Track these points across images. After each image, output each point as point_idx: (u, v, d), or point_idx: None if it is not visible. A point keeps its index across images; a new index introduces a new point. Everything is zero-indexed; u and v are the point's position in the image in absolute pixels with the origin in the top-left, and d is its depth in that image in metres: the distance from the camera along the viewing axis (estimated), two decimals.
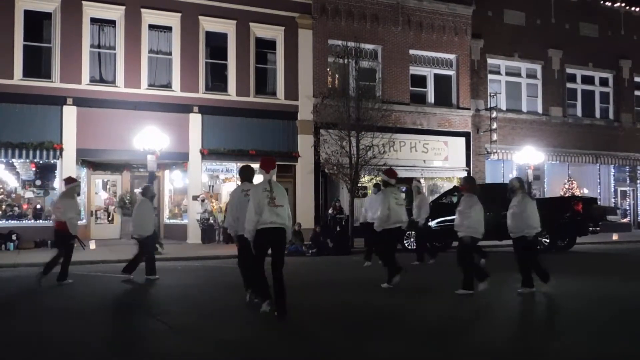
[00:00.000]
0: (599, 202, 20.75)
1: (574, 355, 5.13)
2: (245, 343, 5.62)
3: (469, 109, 22.93)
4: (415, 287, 9.24)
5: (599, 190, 25.76)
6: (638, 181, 27.01)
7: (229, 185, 19.86)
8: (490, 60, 23.96)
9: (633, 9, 26.95)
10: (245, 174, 7.87)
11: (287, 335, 5.96)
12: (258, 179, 7.33)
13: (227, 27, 19.37)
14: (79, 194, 10.45)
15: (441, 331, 6.03)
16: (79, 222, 17.93)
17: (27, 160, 17.47)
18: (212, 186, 19.70)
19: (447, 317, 6.87)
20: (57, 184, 17.50)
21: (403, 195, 10.07)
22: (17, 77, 16.99)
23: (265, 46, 20.10)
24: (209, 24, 19.18)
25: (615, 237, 20.10)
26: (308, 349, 5.40)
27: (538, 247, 8.24)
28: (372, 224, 10.62)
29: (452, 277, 9.66)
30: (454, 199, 16.80)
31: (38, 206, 18.05)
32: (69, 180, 10.44)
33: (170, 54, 18.83)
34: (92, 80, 17.91)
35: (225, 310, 7.58)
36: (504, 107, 24.00)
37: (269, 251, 6.76)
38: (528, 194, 8.24)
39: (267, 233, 6.61)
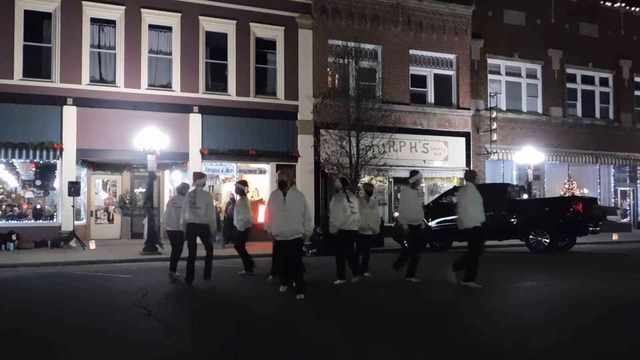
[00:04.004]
0: (599, 202, 20.74)
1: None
2: (244, 342, 5.62)
3: (469, 109, 22.93)
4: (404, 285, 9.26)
5: (599, 190, 25.76)
6: (638, 181, 27.01)
7: (229, 185, 19.88)
8: (490, 60, 23.96)
9: (633, 9, 26.96)
10: (181, 190, 10.48)
11: (286, 333, 5.96)
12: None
13: (227, 27, 19.38)
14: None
15: (437, 328, 6.04)
16: (79, 222, 18.09)
17: (27, 160, 17.46)
18: (212, 186, 19.69)
19: (442, 315, 6.88)
20: (57, 184, 17.52)
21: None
22: (17, 77, 16.99)
23: (265, 46, 20.10)
24: (209, 24, 19.18)
25: (615, 237, 20.10)
26: (306, 347, 5.40)
27: (349, 244, 9.60)
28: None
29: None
30: (454, 199, 16.81)
31: (38, 206, 18.05)
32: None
33: (170, 54, 18.84)
34: (92, 80, 17.92)
35: (225, 310, 7.58)
36: (504, 107, 24.01)
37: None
38: (346, 194, 9.48)
39: (189, 226, 9.45)
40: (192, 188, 10.02)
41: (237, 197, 11.66)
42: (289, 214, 7.84)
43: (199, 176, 10.09)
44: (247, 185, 12.07)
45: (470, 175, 9.71)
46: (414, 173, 10.20)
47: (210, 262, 9.66)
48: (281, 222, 7.91)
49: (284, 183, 7.94)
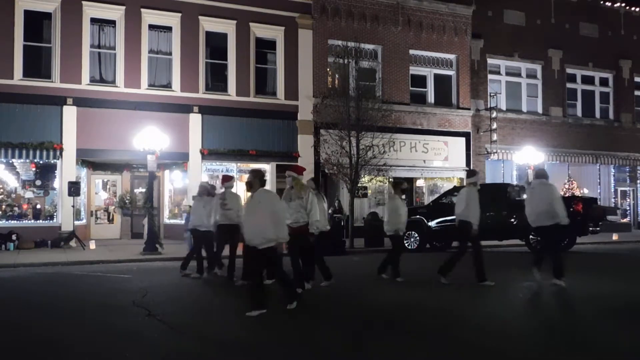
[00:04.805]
0: (599, 202, 20.73)
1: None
2: (245, 343, 5.62)
3: (469, 109, 22.93)
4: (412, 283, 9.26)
5: (599, 190, 25.75)
6: (638, 181, 27.01)
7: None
8: (490, 60, 23.96)
9: (633, 9, 26.96)
10: (201, 192, 11.03)
11: (287, 334, 5.97)
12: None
13: (227, 27, 19.38)
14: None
15: (437, 328, 6.04)
16: (79, 222, 18.08)
17: (27, 160, 17.46)
18: (212, 186, 19.67)
19: (442, 315, 6.88)
20: (57, 184, 17.53)
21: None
22: (17, 77, 16.99)
23: (265, 46, 20.10)
24: (209, 24, 19.18)
25: (615, 237, 20.10)
26: (307, 348, 5.40)
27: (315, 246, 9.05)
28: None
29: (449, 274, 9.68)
30: (454, 199, 16.81)
31: (38, 206, 18.06)
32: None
33: (170, 54, 18.83)
34: (92, 80, 17.91)
35: (225, 310, 7.58)
36: (504, 107, 24.01)
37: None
38: (322, 195, 9.35)
39: (220, 228, 10.21)
40: (220, 190, 10.59)
41: (197, 197, 11.18)
42: (256, 219, 6.89)
43: (227, 179, 10.67)
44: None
45: (543, 172, 9.51)
46: (473, 173, 10.03)
47: (233, 260, 10.19)
48: (247, 227, 7.05)
49: (249, 184, 7.13)
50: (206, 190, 11.07)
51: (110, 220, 20.42)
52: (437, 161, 22.09)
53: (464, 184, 10.19)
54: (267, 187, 7.33)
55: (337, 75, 20.32)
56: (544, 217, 8.99)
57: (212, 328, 6.32)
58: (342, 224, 18.04)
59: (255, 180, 7.06)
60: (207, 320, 6.84)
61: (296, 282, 8.48)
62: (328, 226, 9.74)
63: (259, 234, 6.84)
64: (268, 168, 19.66)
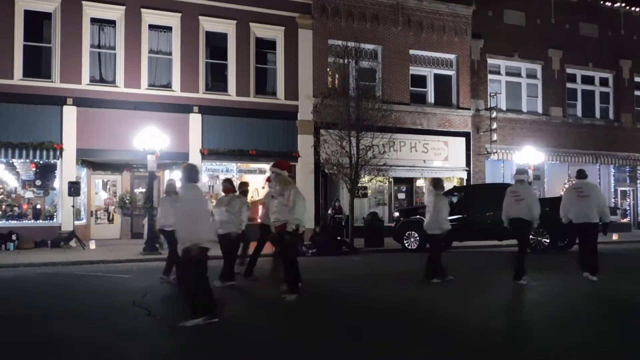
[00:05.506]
0: None
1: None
2: (244, 342, 5.62)
3: (469, 109, 22.93)
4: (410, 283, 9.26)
5: None
6: (638, 181, 27.00)
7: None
8: (490, 60, 23.96)
9: (633, 9, 26.95)
10: (172, 189, 10.38)
11: (287, 335, 5.97)
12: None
13: (227, 27, 19.38)
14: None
15: (437, 327, 6.04)
16: (79, 222, 18.08)
17: (27, 160, 17.46)
18: (212, 186, 19.69)
19: (442, 314, 6.88)
20: (57, 184, 17.53)
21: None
22: (17, 77, 16.99)
23: (265, 46, 20.10)
24: (209, 24, 19.18)
25: (615, 237, 20.10)
26: (307, 348, 5.40)
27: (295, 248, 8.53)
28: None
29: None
30: (454, 199, 16.81)
31: (38, 206, 18.06)
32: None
33: (170, 54, 18.83)
34: (92, 80, 17.91)
35: (225, 310, 7.58)
36: (504, 107, 24.01)
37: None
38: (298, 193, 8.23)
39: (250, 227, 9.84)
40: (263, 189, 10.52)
41: (165, 195, 10.93)
42: (180, 218, 6.43)
43: (270, 178, 10.52)
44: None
45: (585, 173, 9.97)
46: (524, 171, 10.05)
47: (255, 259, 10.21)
48: (176, 226, 6.58)
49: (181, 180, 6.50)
50: (174, 189, 10.68)
51: (110, 220, 20.41)
52: (437, 161, 22.09)
53: (515, 180, 9.78)
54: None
55: (337, 75, 20.32)
56: (593, 215, 9.52)
57: (212, 328, 6.31)
58: (343, 223, 18.06)
59: (183, 176, 6.50)
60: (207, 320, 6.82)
61: (289, 286, 8.02)
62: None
63: (180, 233, 6.34)
64: (268, 168, 19.65)
